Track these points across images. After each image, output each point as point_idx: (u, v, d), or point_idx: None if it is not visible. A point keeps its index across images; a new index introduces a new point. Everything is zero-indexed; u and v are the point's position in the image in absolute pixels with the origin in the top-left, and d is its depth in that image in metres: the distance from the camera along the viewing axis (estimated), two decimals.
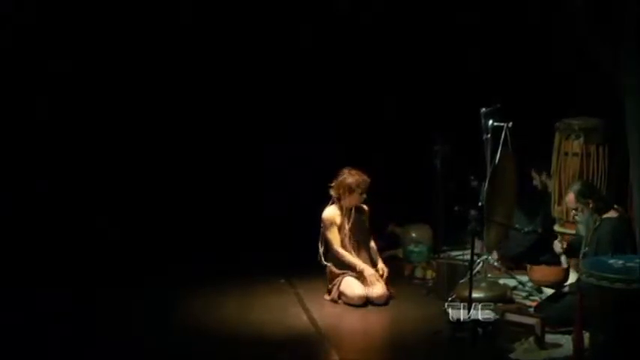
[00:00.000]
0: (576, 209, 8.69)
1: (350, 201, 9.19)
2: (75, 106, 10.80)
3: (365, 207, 9.33)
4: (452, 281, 9.06)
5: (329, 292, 9.22)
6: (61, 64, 10.54)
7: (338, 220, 9.22)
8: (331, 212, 9.23)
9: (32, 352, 8.03)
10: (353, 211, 9.27)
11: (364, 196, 9.18)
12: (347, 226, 9.22)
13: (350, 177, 9.12)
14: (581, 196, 8.60)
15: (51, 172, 10.60)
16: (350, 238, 9.25)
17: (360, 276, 9.12)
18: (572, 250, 8.93)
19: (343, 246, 9.22)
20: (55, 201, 10.53)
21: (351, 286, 9.13)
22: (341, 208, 9.25)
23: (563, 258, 9.04)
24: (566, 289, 8.69)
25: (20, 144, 10.63)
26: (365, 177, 9.14)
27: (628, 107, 8.12)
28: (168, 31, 10.75)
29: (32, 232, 10.21)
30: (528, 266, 9.14)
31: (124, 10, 10.66)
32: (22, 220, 10.28)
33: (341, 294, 9.15)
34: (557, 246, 9.05)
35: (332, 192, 9.22)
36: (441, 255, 9.51)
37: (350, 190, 9.14)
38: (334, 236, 9.18)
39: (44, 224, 10.32)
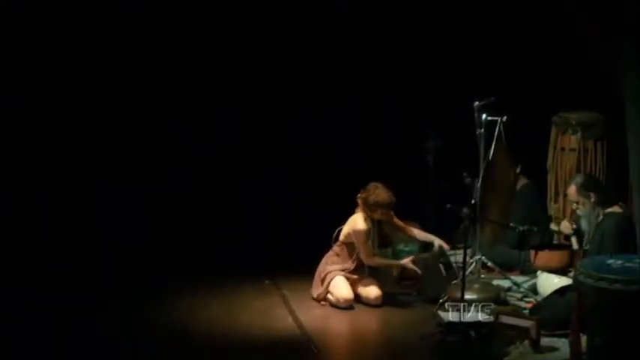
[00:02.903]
0: (577, 202, 8.61)
1: (374, 216, 9.12)
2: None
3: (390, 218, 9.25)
4: (428, 278, 8.99)
5: (320, 289, 9.13)
6: None
7: (368, 230, 9.12)
8: (363, 224, 9.08)
9: (17, 352, 8.00)
10: (378, 223, 9.20)
11: (390, 212, 9.13)
12: (371, 238, 9.17)
13: (375, 196, 9.03)
14: (582, 188, 8.54)
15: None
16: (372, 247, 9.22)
17: (403, 270, 9.18)
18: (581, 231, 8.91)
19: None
20: (38, 198, 10.60)
21: (339, 287, 9.05)
22: (367, 218, 9.13)
23: (573, 239, 8.91)
24: (572, 273, 8.58)
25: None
26: (390, 196, 9.03)
27: (627, 107, 7.98)
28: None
29: (16, 231, 10.21)
30: (532, 252, 9.05)
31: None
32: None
33: (329, 293, 9.07)
34: (567, 226, 8.95)
35: (359, 202, 9.12)
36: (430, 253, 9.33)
37: (372, 209, 9.06)
38: (369, 248, 9.11)
39: (25, 224, 10.33)
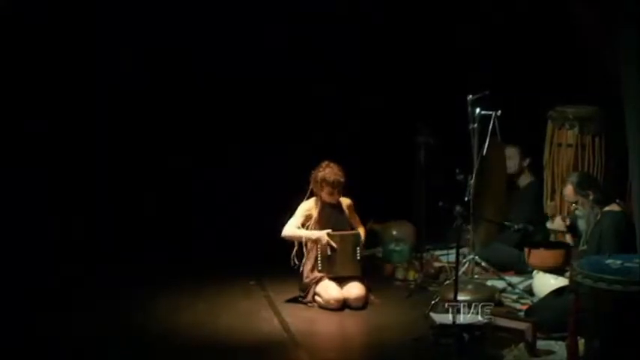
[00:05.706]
0: (576, 202, 8.55)
1: (322, 196, 9.06)
2: None
3: (344, 204, 9.14)
4: (341, 256, 8.96)
5: (302, 293, 9.04)
6: None
7: (311, 211, 9.06)
8: (306, 204, 9.11)
9: None
10: (328, 207, 9.08)
11: (337, 194, 9.03)
12: (315, 222, 9.07)
13: (323, 172, 9.01)
14: (579, 187, 8.47)
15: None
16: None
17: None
18: (575, 228, 8.83)
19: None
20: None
21: (327, 287, 8.93)
22: (317, 203, 9.10)
23: (567, 236, 8.87)
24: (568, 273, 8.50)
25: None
26: (337, 175, 8.96)
27: (626, 100, 7.82)
28: None
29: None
30: (526, 250, 8.96)
31: None
32: None
33: (316, 296, 8.97)
34: (560, 224, 8.93)
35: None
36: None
37: (318, 185, 9.02)
38: (292, 221, 9.03)
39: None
